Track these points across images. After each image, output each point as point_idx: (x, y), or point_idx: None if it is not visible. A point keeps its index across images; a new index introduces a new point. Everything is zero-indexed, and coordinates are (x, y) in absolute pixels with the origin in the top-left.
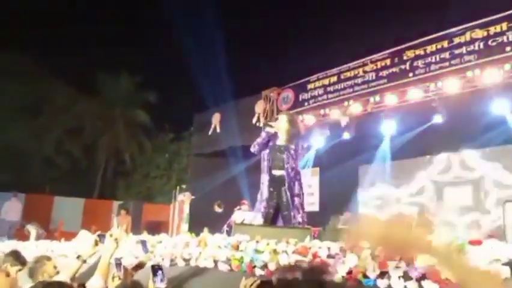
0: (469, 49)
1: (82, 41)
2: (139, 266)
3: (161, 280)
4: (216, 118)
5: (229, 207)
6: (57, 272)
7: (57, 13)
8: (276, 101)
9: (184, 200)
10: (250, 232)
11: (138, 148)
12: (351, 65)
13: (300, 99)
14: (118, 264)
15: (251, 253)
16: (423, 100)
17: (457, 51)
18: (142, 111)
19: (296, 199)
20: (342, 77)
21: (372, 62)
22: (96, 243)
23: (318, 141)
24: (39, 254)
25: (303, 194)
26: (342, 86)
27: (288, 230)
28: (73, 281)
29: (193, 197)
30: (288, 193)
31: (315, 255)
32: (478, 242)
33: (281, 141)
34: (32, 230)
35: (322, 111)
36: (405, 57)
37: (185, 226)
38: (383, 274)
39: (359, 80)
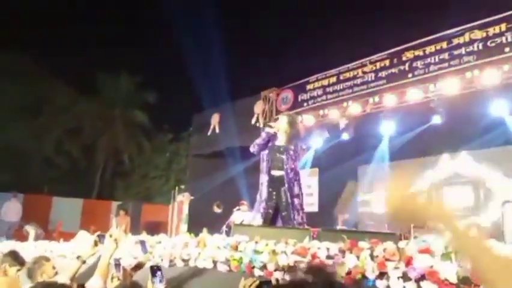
0: (468, 50)
1: (82, 41)
2: (138, 266)
3: (160, 281)
4: (215, 119)
5: (228, 207)
6: (56, 273)
7: (57, 13)
8: (275, 101)
9: (183, 200)
10: (249, 232)
11: (137, 148)
12: (350, 65)
13: (299, 99)
14: (117, 264)
15: (250, 253)
16: (422, 101)
17: (456, 52)
18: (141, 112)
19: (296, 200)
20: (341, 77)
21: (371, 63)
22: (96, 244)
23: (317, 142)
24: (37, 254)
25: (302, 194)
26: (341, 87)
27: (287, 231)
28: (73, 282)
29: (192, 198)
30: (288, 194)
31: (314, 256)
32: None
33: (280, 142)
34: (31, 230)
35: (321, 112)
36: (404, 58)
37: (184, 226)
38: (382, 275)
39: (358, 81)
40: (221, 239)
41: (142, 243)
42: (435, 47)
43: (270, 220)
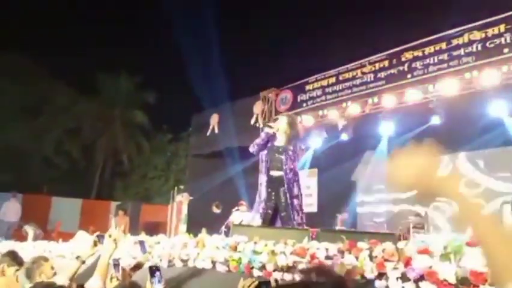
0: (467, 51)
1: (82, 41)
2: (137, 266)
3: (159, 281)
4: (214, 119)
5: (227, 208)
6: (55, 273)
7: (57, 13)
8: (274, 102)
9: (182, 200)
10: (248, 233)
11: (136, 149)
12: (349, 66)
13: (299, 100)
14: (116, 265)
15: (249, 254)
16: (421, 101)
17: (455, 53)
18: (140, 112)
19: (295, 200)
20: (340, 78)
21: (370, 64)
22: (95, 244)
23: (316, 142)
24: (36, 254)
25: (301, 195)
26: (341, 87)
27: (286, 231)
28: (72, 282)
29: (191, 198)
30: (288, 194)
31: (313, 256)
32: (475, 244)
33: (279, 142)
34: (30, 230)
35: (320, 112)
36: (403, 59)
37: (183, 227)
38: (381, 275)
39: (357, 81)
40: (220, 239)
41: (141, 243)
42: (434, 47)
43: (269, 220)
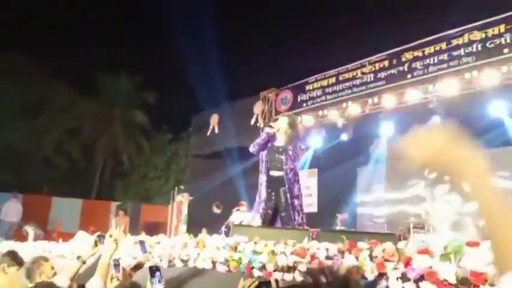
0: (467, 51)
1: (82, 41)
2: (138, 266)
3: (159, 281)
4: (214, 119)
5: (228, 208)
6: (55, 273)
7: (57, 13)
8: (274, 102)
9: (182, 200)
10: (248, 233)
11: (136, 149)
12: (349, 66)
13: (299, 100)
14: (116, 265)
15: (249, 254)
16: (421, 102)
17: (455, 53)
18: (140, 112)
19: (296, 201)
20: (340, 78)
21: (370, 64)
22: (96, 244)
23: (316, 142)
24: (36, 254)
25: (301, 195)
26: (341, 87)
27: (286, 231)
28: (73, 282)
29: (191, 198)
30: (288, 194)
31: (313, 257)
32: (475, 244)
33: (280, 142)
34: (30, 230)
35: (320, 113)
36: (403, 59)
37: (183, 227)
38: (381, 275)
39: (357, 82)
40: (220, 239)
41: (141, 243)
42: (434, 47)
43: (269, 221)
